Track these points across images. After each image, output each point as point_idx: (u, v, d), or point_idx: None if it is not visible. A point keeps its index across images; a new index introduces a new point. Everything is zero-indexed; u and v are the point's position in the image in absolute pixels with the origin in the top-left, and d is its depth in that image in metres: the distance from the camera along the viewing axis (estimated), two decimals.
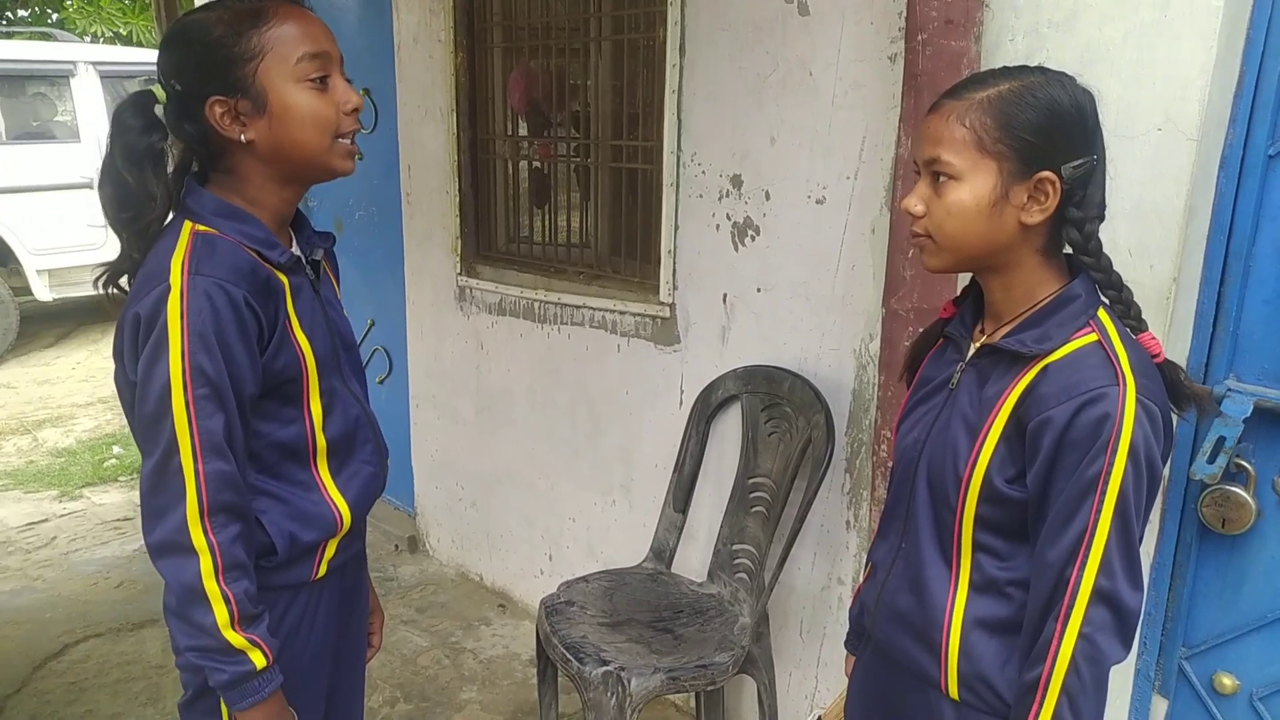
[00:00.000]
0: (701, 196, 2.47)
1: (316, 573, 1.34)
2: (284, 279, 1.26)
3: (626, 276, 2.80)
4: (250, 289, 1.19)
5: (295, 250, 1.34)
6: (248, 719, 1.21)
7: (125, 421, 5.06)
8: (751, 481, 2.38)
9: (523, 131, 3.23)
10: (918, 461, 1.26)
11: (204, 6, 1.23)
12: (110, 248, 7.64)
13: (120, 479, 4.67)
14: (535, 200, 3.21)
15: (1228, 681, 1.74)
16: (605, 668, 2.03)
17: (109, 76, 7.65)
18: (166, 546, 1.16)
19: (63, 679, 2.96)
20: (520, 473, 3.23)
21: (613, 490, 2.89)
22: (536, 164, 3.19)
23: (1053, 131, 1.10)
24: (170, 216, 1.24)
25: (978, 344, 1.24)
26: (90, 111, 7.48)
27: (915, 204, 1.17)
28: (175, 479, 1.15)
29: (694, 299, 2.54)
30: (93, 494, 4.48)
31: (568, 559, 3.08)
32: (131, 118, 1.20)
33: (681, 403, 2.61)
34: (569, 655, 2.10)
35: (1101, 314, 1.16)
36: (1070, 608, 1.08)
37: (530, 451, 3.17)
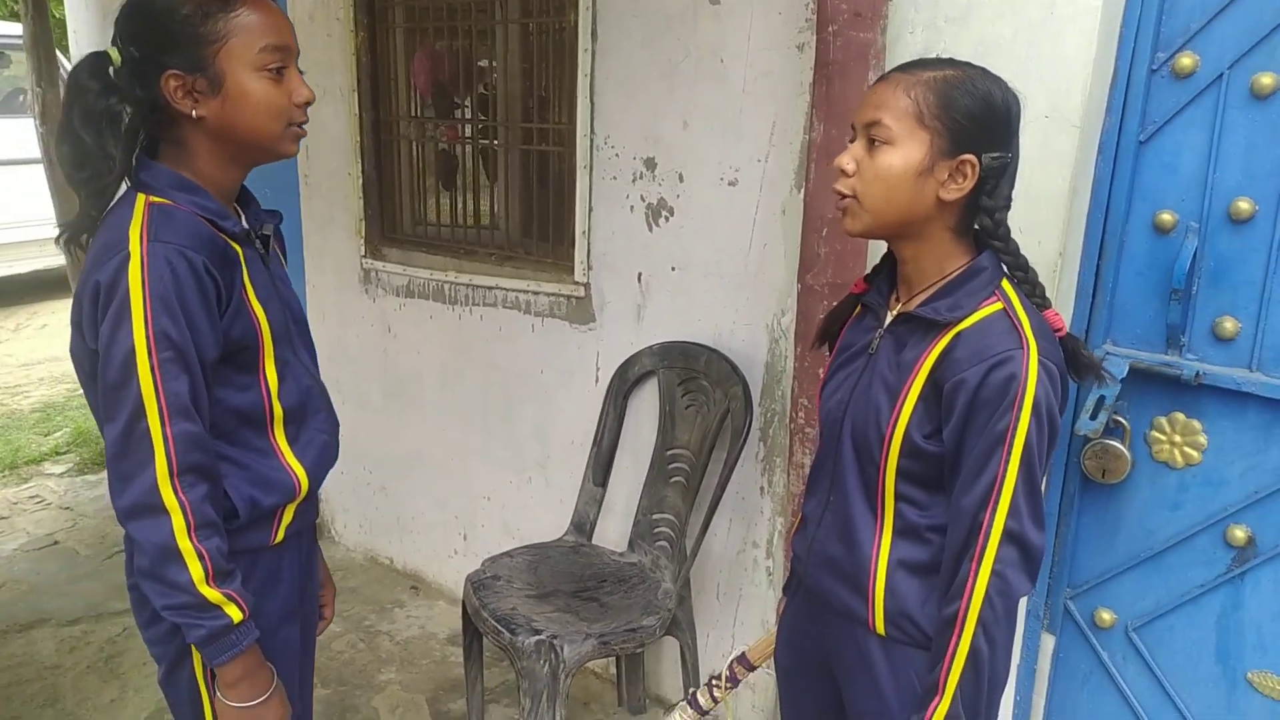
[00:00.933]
0: (615, 179, 2.54)
1: (275, 537, 1.37)
2: (238, 249, 1.29)
3: (539, 257, 2.84)
4: (209, 256, 1.22)
5: (244, 224, 1.37)
6: (228, 673, 1.24)
7: None
8: (670, 453, 2.48)
9: (428, 113, 3.22)
10: (842, 421, 1.37)
11: None
12: None
13: None
14: (443, 182, 3.21)
15: (1106, 616, 1.93)
16: (538, 636, 2.09)
17: None
18: (138, 509, 1.18)
19: None
20: (432, 455, 3.23)
21: (528, 468, 2.93)
22: (443, 146, 3.19)
23: (983, 120, 1.23)
24: (124, 187, 1.24)
25: (894, 312, 1.35)
26: None
27: (847, 161, 1.26)
28: (143, 442, 1.17)
29: (609, 278, 2.61)
30: None
31: (483, 538, 3.11)
32: (88, 79, 1.21)
33: (597, 380, 2.68)
34: (500, 627, 2.15)
35: (1005, 285, 1.29)
36: (984, 548, 1.21)
37: (442, 433, 3.18)
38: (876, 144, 1.24)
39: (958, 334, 1.24)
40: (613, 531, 2.67)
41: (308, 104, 1.31)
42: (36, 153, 4.42)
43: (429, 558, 3.35)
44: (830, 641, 1.43)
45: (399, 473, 3.37)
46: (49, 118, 4.20)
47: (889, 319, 1.35)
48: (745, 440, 2.24)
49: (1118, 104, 1.77)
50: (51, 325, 7.20)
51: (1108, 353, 1.84)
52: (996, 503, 1.20)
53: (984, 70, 1.25)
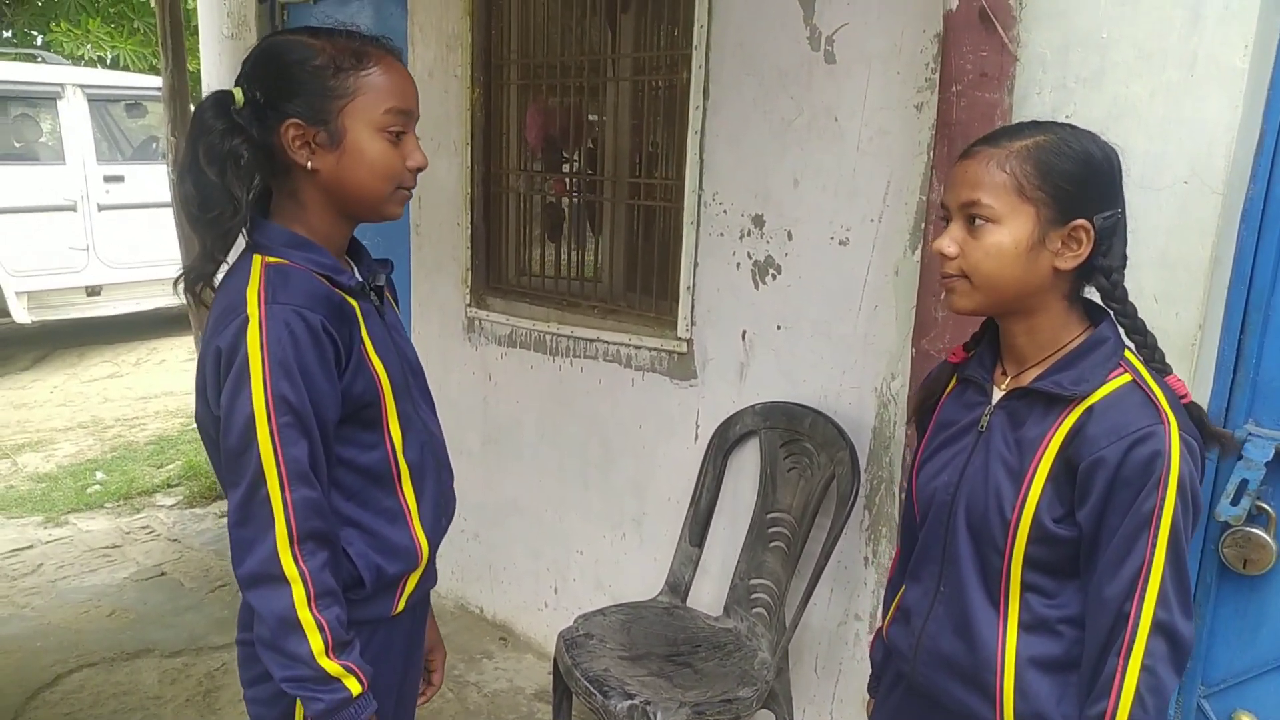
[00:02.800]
0: (723, 235, 2.52)
1: (396, 608, 1.34)
2: (354, 304, 1.28)
3: (642, 311, 2.83)
4: (327, 314, 1.21)
5: (358, 277, 1.35)
6: None
7: (108, 447, 4.94)
8: (770, 517, 2.41)
9: (537, 167, 3.27)
10: (952, 504, 1.28)
11: (308, 30, 1.25)
12: (91, 271, 7.58)
13: (106, 505, 4.59)
14: (549, 235, 3.24)
15: None
16: (630, 701, 2.03)
17: (96, 100, 7.62)
18: (258, 577, 1.17)
19: (56, 709, 2.90)
20: (527, 505, 3.23)
21: (623, 524, 2.90)
22: (551, 199, 3.23)
23: (1087, 182, 1.17)
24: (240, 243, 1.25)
25: (1003, 387, 1.27)
26: (76, 134, 7.44)
27: (948, 245, 1.20)
28: (263, 509, 1.15)
29: (712, 335, 2.58)
30: (78, 520, 4.41)
31: (574, 592, 3.08)
32: (214, 119, 1.20)
33: (697, 438, 2.64)
34: (592, 688, 2.11)
35: (1129, 355, 1.21)
36: (1132, 641, 1.12)
37: (538, 484, 3.17)
38: (979, 223, 1.17)
39: (1089, 409, 1.17)
40: (707, 594, 2.61)
41: (420, 169, 1.29)
42: (165, 197, 4.66)
43: (519, 608, 3.33)
44: None
45: (493, 521, 3.37)
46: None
47: (998, 394, 1.28)
48: (852, 508, 2.16)
49: (1264, 170, 1.67)
50: (169, 361, 7.54)
51: (1250, 433, 1.71)
52: (1144, 591, 1.11)
53: (1074, 128, 1.19)
